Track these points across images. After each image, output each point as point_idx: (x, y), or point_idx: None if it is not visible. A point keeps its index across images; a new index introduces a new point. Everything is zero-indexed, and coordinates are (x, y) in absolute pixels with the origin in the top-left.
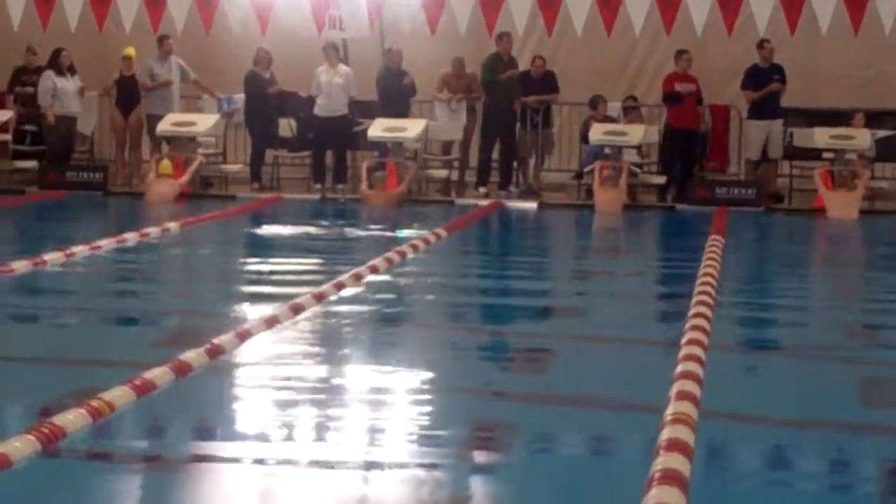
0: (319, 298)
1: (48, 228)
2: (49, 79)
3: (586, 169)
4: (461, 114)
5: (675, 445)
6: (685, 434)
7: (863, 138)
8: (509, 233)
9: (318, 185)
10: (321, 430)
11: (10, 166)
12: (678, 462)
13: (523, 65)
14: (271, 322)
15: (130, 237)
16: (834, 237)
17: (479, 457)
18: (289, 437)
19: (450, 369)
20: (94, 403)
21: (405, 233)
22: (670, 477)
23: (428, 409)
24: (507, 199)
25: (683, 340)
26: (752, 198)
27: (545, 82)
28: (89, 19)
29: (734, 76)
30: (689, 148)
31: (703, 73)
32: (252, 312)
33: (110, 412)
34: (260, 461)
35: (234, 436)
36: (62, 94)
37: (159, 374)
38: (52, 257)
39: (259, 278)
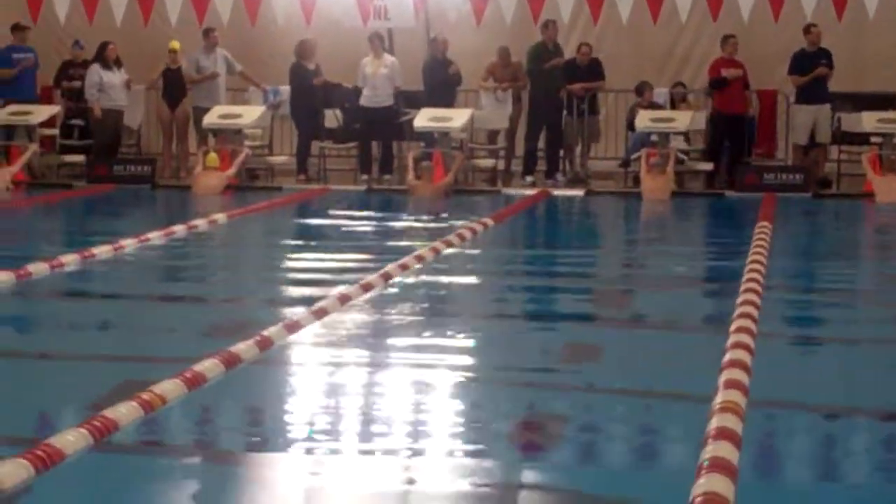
0: (366, 289)
1: (96, 222)
2: (95, 73)
3: (633, 156)
4: (507, 103)
5: (724, 434)
6: (733, 423)
7: None
8: (557, 221)
9: (365, 176)
10: (369, 420)
11: (57, 161)
12: (726, 451)
13: (569, 53)
14: (320, 313)
15: (178, 230)
16: (883, 222)
17: (528, 447)
18: (337, 428)
19: (498, 359)
20: (146, 396)
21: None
22: (719, 465)
23: (476, 398)
24: (554, 188)
25: (732, 328)
26: (799, 183)
27: (591, 70)
28: (135, 13)
29: (781, 61)
30: (736, 134)
31: (749, 59)
32: (300, 304)
33: (162, 405)
34: (309, 451)
35: (283, 427)
36: (109, 87)
37: (209, 367)
38: (101, 251)
39: (307, 269)
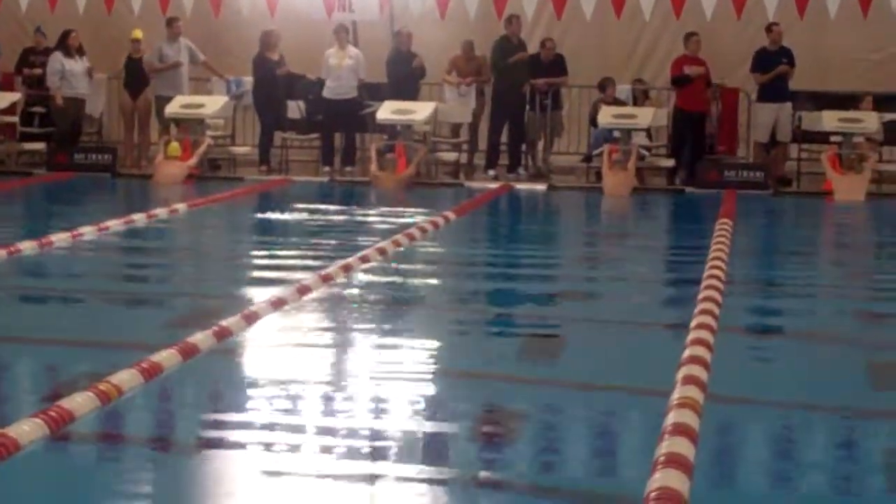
0: (326, 280)
1: (55, 210)
2: (57, 60)
3: (595, 152)
4: (470, 97)
5: (681, 430)
6: (691, 418)
7: (871, 121)
8: (518, 216)
9: (327, 168)
10: (327, 411)
11: (18, 148)
12: (683, 446)
13: (532, 48)
14: (278, 304)
15: (138, 219)
16: (842, 220)
17: (486, 440)
18: (295, 419)
19: (457, 353)
20: (102, 387)
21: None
22: (675, 461)
23: (435, 391)
24: (516, 182)
25: (692, 324)
26: (760, 181)
27: (554, 65)
28: (98, 1)
29: (743, 59)
30: (698, 131)
31: (711, 57)
32: (259, 294)
33: (118, 395)
34: (266, 443)
35: (240, 418)
36: (70, 75)
37: (167, 357)
38: (59, 238)
39: (266, 260)
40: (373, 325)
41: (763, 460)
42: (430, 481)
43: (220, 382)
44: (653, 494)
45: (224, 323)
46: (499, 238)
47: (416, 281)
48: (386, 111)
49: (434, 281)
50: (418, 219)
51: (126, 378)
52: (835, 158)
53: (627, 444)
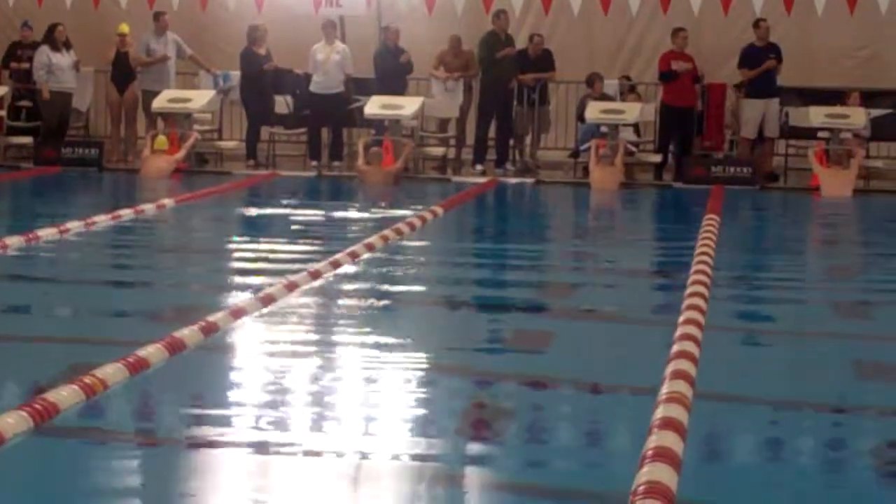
0: (315, 276)
1: (42, 204)
2: (44, 54)
3: (583, 147)
4: (458, 92)
5: (669, 424)
6: (679, 413)
7: (858, 117)
8: (506, 211)
9: (314, 163)
10: (314, 408)
11: (4, 142)
12: (671, 440)
13: (520, 43)
14: (266, 300)
15: (125, 213)
16: (829, 216)
17: (474, 437)
18: (281, 415)
19: (445, 348)
20: (87, 380)
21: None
22: (663, 455)
23: (423, 388)
24: (504, 177)
25: (679, 320)
26: (747, 176)
27: (542, 60)
28: None
29: (730, 55)
30: (685, 126)
31: (699, 53)
32: (247, 290)
33: (103, 389)
34: (252, 439)
35: (226, 414)
36: (57, 69)
37: (153, 352)
38: (46, 233)
39: (254, 255)
40: (360, 321)
41: (751, 454)
42: (417, 476)
43: (207, 378)
44: (641, 488)
45: (211, 318)
46: (486, 233)
47: (404, 276)
48: (373, 106)
49: (422, 276)
50: (406, 214)
51: (111, 372)
52: (822, 154)
53: (615, 439)
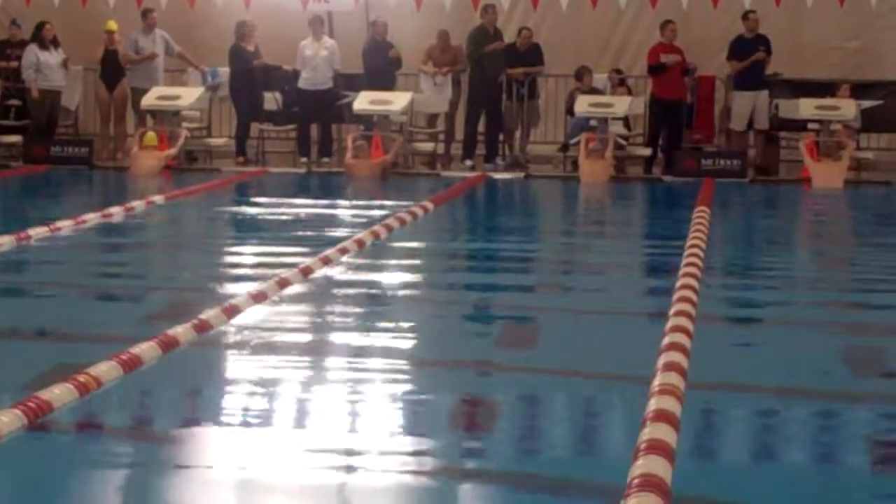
0: (306, 273)
1: (32, 203)
2: (32, 52)
3: (572, 141)
4: (447, 87)
5: (662, 416)
6: (672, 405)
7: (848, 109)
8: (496, 205)
9: (304, 159)
10: (307, 403)
11: None
12: (664, 432)
13: (508, 38)
14: (259, 297)
15: (115, 211)
16: (820, 208)
17: (467, 430)
18: (274, 411)
19: (437, 342)
20: (81, 378)
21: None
22: (656, 447)
23: (415, 381)
24: (494, 172)
25: (671, 311)
26: (737, 169)
27: (530, 55)
28: None
29: (720, 48)
30: (674, 119)
31: (688, 45)
32: (239, 287)
33: (97, 387)
34: (246, 436)
35: (220, 412)
36: (46, 67)
37: (146, 350)
38: (37, 232)
39: (245, 252)
40: (352, 317)
41: (744, 446)
42: (409, 472)
43: (200, 375)
44: (635, 481)
45: (204, 316)
46: (476, 228)
47: (395, 272)
48: (362, 102)
49: (412, 271)
50: (396, 209)
51: (105, 370)
52: (813, 146)
53: (609, 432)
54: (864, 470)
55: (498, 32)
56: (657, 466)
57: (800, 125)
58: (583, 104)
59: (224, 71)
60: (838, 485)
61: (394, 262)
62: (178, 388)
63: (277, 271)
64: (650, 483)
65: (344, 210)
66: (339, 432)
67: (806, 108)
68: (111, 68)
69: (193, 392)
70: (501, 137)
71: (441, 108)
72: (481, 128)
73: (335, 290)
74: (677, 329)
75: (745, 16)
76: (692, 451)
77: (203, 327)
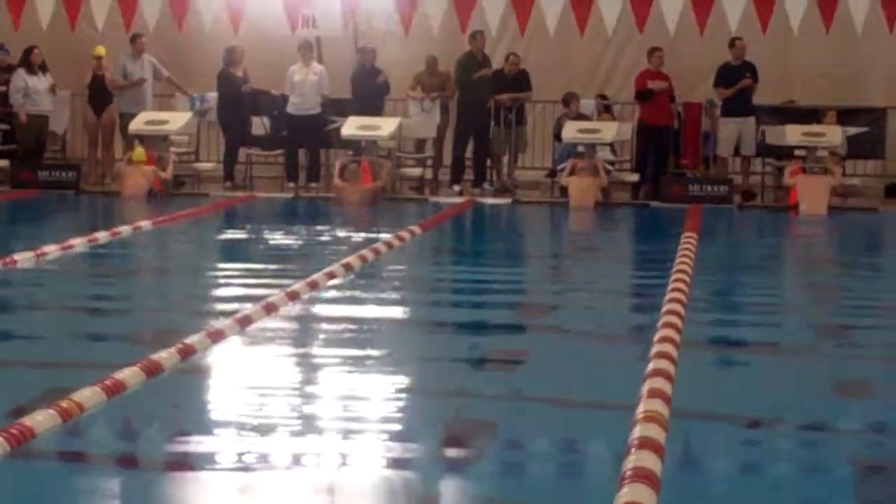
0: (292, 297)
1: (19, 228)
2: (20, 77)
3: (560, 167)
4: (435, 112)
5: (647, 444)
6: (656, 432)
7: (834, 135)
8: (483, 231)
9: (292, 184)
10: (293, 430)
11: None
12: (649, 460)
13: (496, 64)
14: (244, 322)
15: (102, 236)
16: (806, 234)
17: (453, 457)
18: (260, 438)
19: (423, 369)
20: (64, 404)
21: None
22: (641, 475)
23: (402, 409)
24: (481, 197)
25: (656, 338)
26: (724, 195)
27: (518, 81)
28: (61, 18)
29: (706, 74)
30: (661, 145)
31: (675, 72)
32: (224, 312)
33: (80, 413)
34: (230, 462)
35: (204, 437)
36: (34, 92)
37: (130, 375)
38: (23, 257)
39: (232, 277)
40: (338, 341)
41: (729, 474)
42: (396, 493)
43: (184, 400)
44: None
45: (189, 341)
46: (464, 253)
47: (382, 296)
48: (350, 127)
49: (399, 296)
50: (384, 234)
51: (88, 395)
52: (798, 172)
53: (594, 459)
54: (848, 498)
55: (486, 58)
56: (642, 495)
57: (786, 152)
58: (570, 130)
59: (212, 96)
60: None
61: (381, 287)
62: (161, 413)
63: (264, 296)
64: None
65: (331, 235)
66: (325, 456)
67: (792, 134)
68: (99, 93)
69: (177, 417)
70: (489, 163)
71: (429, 134)
72: (469, 153)
73: (322, 315)
74: (662, 356)
75: (732, 43)
76: (677, 479)
77: (187, 352)
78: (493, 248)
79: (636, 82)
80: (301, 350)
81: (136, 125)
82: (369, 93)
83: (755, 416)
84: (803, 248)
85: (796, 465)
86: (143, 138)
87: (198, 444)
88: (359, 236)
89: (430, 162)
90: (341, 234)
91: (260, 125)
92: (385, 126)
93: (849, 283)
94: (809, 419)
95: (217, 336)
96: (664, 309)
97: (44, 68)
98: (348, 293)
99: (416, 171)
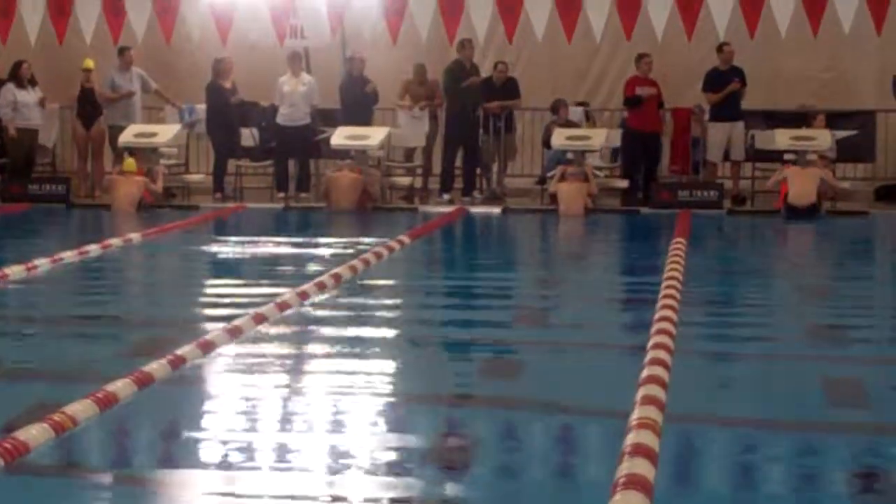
0: (282, 308)
1: (10, 242)
2: (10, 91)
3: (549, 174)
4: (424, 121)
5: (640, 450)
6: (650, 439)
7: (823, 139)
8: (474, 239)
9: (282, 194)
10: (285, 439)
11: None
12: (643, 467)
13: (485, 72)
14: (234, 332)
15: (92, 249)
16: (796, 238)
17: (445, 464)
18: (252, 448)
19: (416, 377)
20: (57, 417)
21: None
22: (635, 482)
23: (394, 416)
24: (471, 206)
25: (649, 344)
26: (714, 200)
27: (507, 88)
28: (49, 31)
29: (695, 80)
30: (650, 151)
31: (663, 78)
32: (215, 323)
33: (73, 426)
34: (223, 472)
35: (196, 448)
36: (23, 106)
37: (122, 387)
38: (13, 270)
39: (222, 288)
40: (330, 352)
41: (723, 480)
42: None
43: (177, 412)
44: None
45: (180, 352)
46: (455, 261)
47: (372, 306)
48: (339, 137)
49: (390, 305)
50: (373, 244)
51: (81, 408)
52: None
53: (587, 466)
54: (843, 502)
55: (474, 67)
56: (636, 501)
57: (776, 156)
58: (559, 137)
59: (201, 108)
60: None
61: (371, 296)
62: (153, 425)
63: (254, 306)
64: None
65: (321, 245)
66: (316, 468)
67: (782, 138)
68: (88, 106)
69: (169, 429)
70: (479, 171)
71: (418, 143)
72: (458, 162)
73: (311, 325)
74: (655, 362)
75: (720, 48)
76: (670, 486)
77: (178, 363)
78: (484, 257)
79: (625, 89)
80: (292, 360)
81: (126, 138)
82: (358, 102)
83: (749, 421)
84: (794, 252)
85: (791, 471)
86: (132, 151)
87: (189, 455)
88: (349, 246)
89: (419, 171)
90: (331, 243)
91: (249, 136)
92: (374, 135)
93: (841, 286)
94: (804, 424)
95: (208, 347)
96: (657, 315)
97: (33, 82)
98: (338, 303)
99: (406, 180)
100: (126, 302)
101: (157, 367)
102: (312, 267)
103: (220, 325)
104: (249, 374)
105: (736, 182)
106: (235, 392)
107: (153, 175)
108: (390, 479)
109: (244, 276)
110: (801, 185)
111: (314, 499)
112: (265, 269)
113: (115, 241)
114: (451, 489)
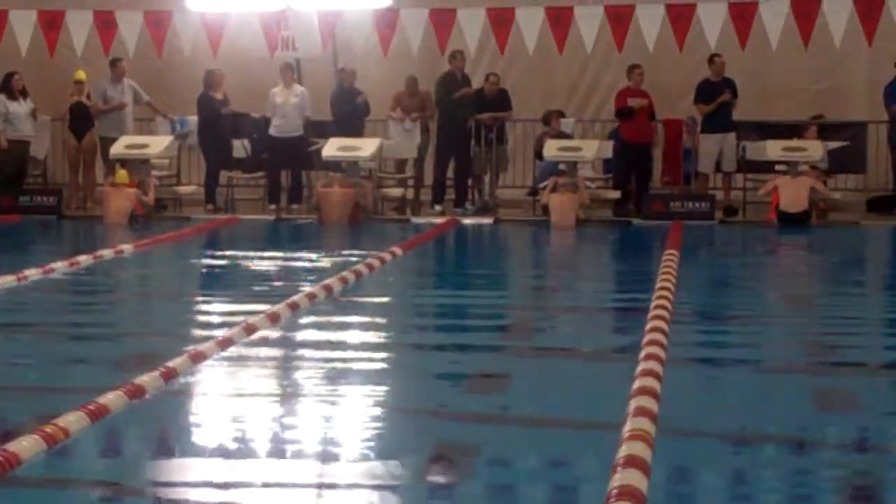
0: (273, 319)
1: (1, 253)
2: (1, 103)
3: (541, 185)
4: (415, 132)
5: (633, 462)
6: (642, 451)
7: (815, 150)
8: (466, 250)
9: (273, 206)
10: (276, 452)
11: None
12: (635, 479)
13: (476, 83)
14: (225, 344)
15: (84, 260)
16: (788, 249)
17: (437, 478)
18: (243, 460)
19: (406, 390)
20: (49, 429)
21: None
22: (627, 494)
23: (385, 430)
24: (463, 217)
25: (641, 356)
26: (706, 211)
27: (498, 100)
28: (41, 43)
29: (686, 91)
30: (642, 162)
31: (655, 89)
32: (206, 334)
33: (64, 438)
34: (215, 485)
35: (188, 460)
36: (14, 118)
37: (113, 399)
38: (4, 281)
39: (213, 299)
40: (320, 364)
41: (716, 491)
42: None
43: (168, 423)
44: None
45: (171, 364)
46: (446, 273)
47: (364, 318)
48: (331, 148)
49: (381, 317)
50: (364, 255)
51: (72, 420)
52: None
53: (579, 478)
54: None
55: (466, 78)
56: None
57: (767, 167)
58: (551, 148)
59: (192, 119)
60: None
61: (362, 308)
62: (145, 436)
63: (245, 318)
64: None
65: (313, 256)
66: (307, 479)
67: (773, 149)
68: (80, 118)
69: (160, 440)
70: (470, 182)
71: (410, 154)
72: (450, 173)
73: (302, 336)
74: (647, 373)
75: (711, 59)
76: (663, 498)
77: (170, 375)
78: (475, 268)
79: (616, 100)
80: (282, 371)
81: (117, 149)
82: (349, 114)
83: (741, 432)
84: (786, 263)
85: (782, 482)
86: (124, 162)
87: (180, 467)
88: (340, 258)
89: (411, 182)
90: (322, 255)
91: (240, 148)
92: (366, 147)
93: (832, 298)
94: (796, 435)
95: (199, 358)
96: (648, 326)
97: (25, 94)
98: (329, 315)
99: (398, 192)
100: (118, 313)
101: (148, 378)
102: (304, 278)
103: (211, 336)
104: (240, 386)
105: (727, 193)
106: (226, 404)
107: (145, 186)
108: (379, 492)
109: (236, 286)
110: (792, 193)
111: None
112: (256, 280)
113: (106, 253)
114: (440, 501)
